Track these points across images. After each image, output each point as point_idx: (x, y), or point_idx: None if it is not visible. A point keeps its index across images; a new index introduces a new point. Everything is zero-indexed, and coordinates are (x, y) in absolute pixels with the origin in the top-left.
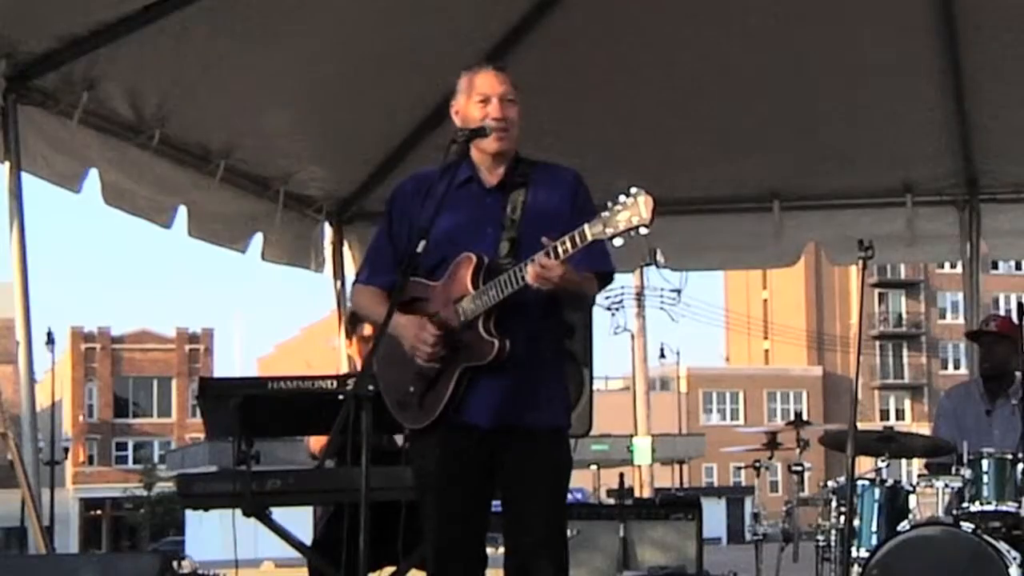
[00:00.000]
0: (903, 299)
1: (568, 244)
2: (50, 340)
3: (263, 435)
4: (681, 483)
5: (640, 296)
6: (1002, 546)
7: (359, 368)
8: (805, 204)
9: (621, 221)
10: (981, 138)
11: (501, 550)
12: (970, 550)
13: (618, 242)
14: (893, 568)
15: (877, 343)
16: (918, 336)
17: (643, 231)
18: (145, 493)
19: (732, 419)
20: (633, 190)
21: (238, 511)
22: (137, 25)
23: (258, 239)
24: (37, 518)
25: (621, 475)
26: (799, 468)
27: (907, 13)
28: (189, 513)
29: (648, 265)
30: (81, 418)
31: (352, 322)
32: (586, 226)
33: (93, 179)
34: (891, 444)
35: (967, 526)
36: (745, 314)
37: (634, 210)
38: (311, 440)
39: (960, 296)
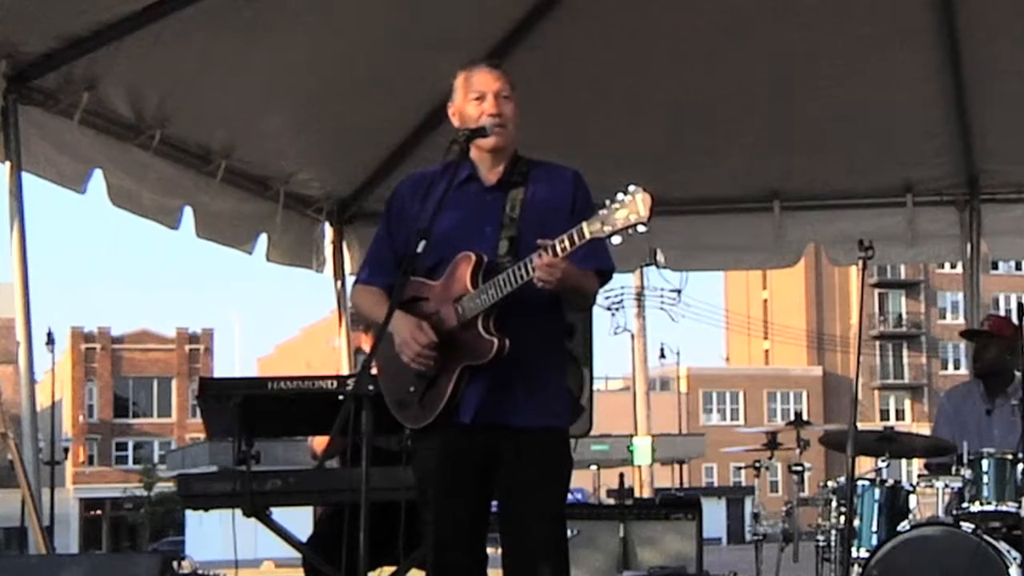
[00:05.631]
0: (903, 299)
1: (567, 243)
2: (50, 340)
3: (263, 435)
4: (681, 483)
5: (640, 296)
6: (1002, 546)
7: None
8: (805, 204)
9: (619, 219)
10: (981, 138)
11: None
12: (970, 550)
13: (616, 240)
14: (893, 568)
15: (877, 343)
16: (918, 336)
17: (641, 229)
18: (145, 493)
19: (732, 419)
20: (631, 188)
21: (238, 511)
22: (137, 25)
23: (263, 240)
24: (37, 518)
25: (621, 475)
26: (799, 468)
27: (907, 13)
28: (189, 513)
29: (648, 265)
30: (81, 418)
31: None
32: (584, 224)
33: (97, 180)
34: (891, 444)
35: (967, 526)
36: (745, 314)
37: (632, 208)
38: (314, 441)
39: (960, 296)
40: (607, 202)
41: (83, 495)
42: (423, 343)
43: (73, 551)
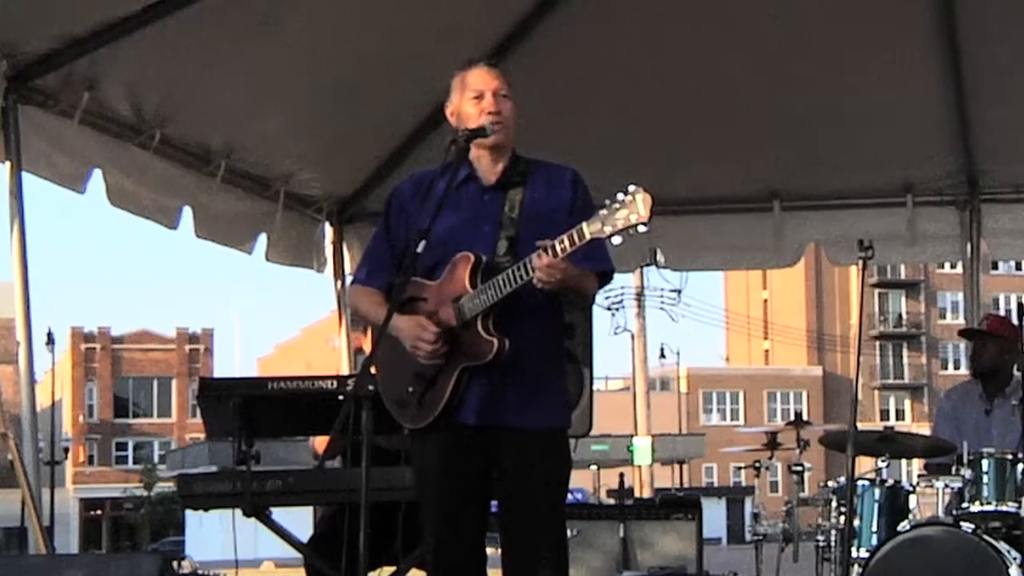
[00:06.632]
0: (903, 299)
1: (566, 243)
2: (50, 340)
3: (263, 435)
4: (681, 483)
5: (640, 296)
6: (1002, 546)
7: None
8: (805, 204)
9: (619, 219)
10: (981, 138)
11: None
12: (970, 550)
13: (617, 240)
14: (893, 568)
15: (877, 343)
16: (918, 336)
17: (642, 229)
18: (145, 493)
19: (732, 419)
20: (631, 188)
21: (238, 511)
22: (137, 25)
23: (263, 240)
24: (37, 518)
25: (621, 475)
26: (799, 468)
27: (908, 13)
28: (189, 513)
29: (648, 265)
30: (81, 418)
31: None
32: (584, 225)
33: (97, 180)
34: (891, 444)
35: (967, 526)
36: (745, 314)
37: (632, 208)
38: (315, 440)
39: (960, 296)
40: (607, 202)
41: (83, 495)
42: (431, 340)
43: (73, 551)
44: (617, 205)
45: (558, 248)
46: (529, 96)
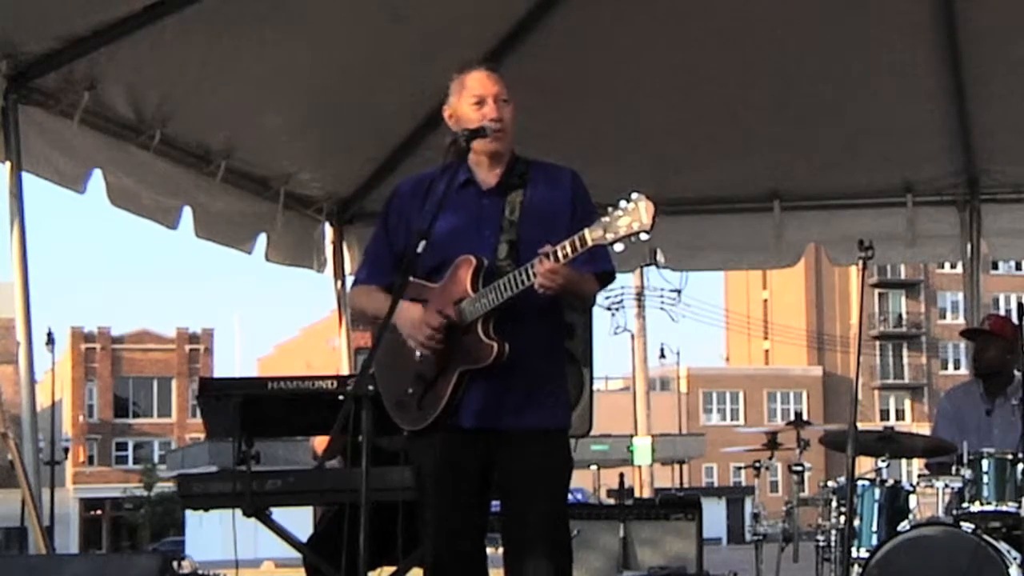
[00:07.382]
0: (903, 299)
1: (568, 249)
2: (50, 340)
3: (263, 435)
4: (681, 483)
5: (640, 296)
6: (1002, 546)
7: None
8: (805, 204)
9: (622, 226)
10: (981, 138)
11: (501, 550)
12: (970, 550)
13: (619, 247)
14: (893, 568)
15: (877, 343)
16: (918, 336)
17: (644, 236)
18: (145, 493)
19: (732, 419)
20: (634, 195)
21: (238, 511)
22: (137, 25)
23: (263, 240)
24: (37, 518)
25: (621, 475)
26: (799, 468)
27: (908, 13)
28: (189, 513)
29: (648, 265)
30: (81, 418)
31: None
32: (586, 231)
33: (97, 180)
34: (891, 444)
35: (967, 526)
36: (745, 314)
37: (635, 215)
38: (315, 440)
39: (960, 296)
40: (609, 208)
41: (83, 495)
42: (435, 324)
43: (73, 551)
44: (620, 212)
45: (560, 254)
46: (529, 96)
